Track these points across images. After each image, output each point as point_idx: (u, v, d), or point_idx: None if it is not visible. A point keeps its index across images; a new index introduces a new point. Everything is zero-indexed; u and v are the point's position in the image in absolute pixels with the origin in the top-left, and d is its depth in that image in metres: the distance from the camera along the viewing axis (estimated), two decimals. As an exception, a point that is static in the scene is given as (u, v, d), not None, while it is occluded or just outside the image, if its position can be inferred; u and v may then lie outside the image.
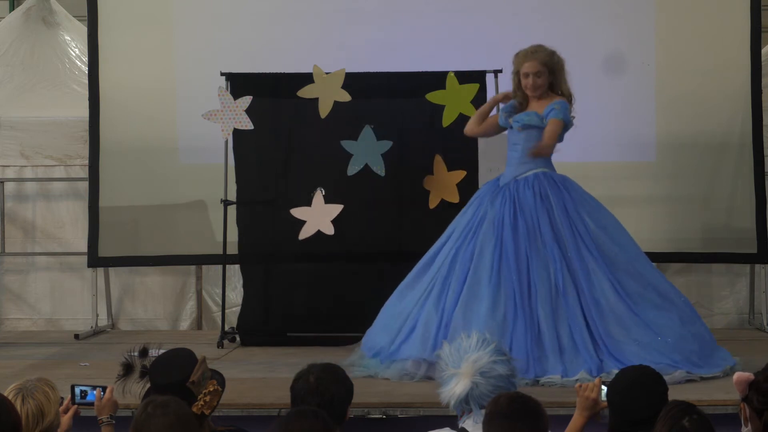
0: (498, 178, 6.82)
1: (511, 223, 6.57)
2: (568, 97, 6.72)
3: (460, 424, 4.02)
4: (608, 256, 6.55)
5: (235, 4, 8.52)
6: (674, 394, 4.15)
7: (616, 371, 4.88)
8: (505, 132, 6.91)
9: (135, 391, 4.23)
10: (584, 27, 8.41)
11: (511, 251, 6.50)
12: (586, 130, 7.77)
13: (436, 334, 6.39)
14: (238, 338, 7.93)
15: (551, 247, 6.51)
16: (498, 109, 6.95)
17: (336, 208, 7.71)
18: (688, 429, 3.45)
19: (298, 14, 8.47)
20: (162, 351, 4.30)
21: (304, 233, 7.72)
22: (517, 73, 6.74)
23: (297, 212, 7.75)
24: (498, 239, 6.54)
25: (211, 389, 4.09)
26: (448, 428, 4.03)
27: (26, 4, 9.81)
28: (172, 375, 4.11)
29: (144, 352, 4.26)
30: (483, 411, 3.94)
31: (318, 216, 7.71)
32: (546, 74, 6.69)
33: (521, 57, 6.73)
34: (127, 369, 4.24)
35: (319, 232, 7.71)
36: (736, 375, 3.76)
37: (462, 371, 4.02)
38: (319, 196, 7.70)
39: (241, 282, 8.09)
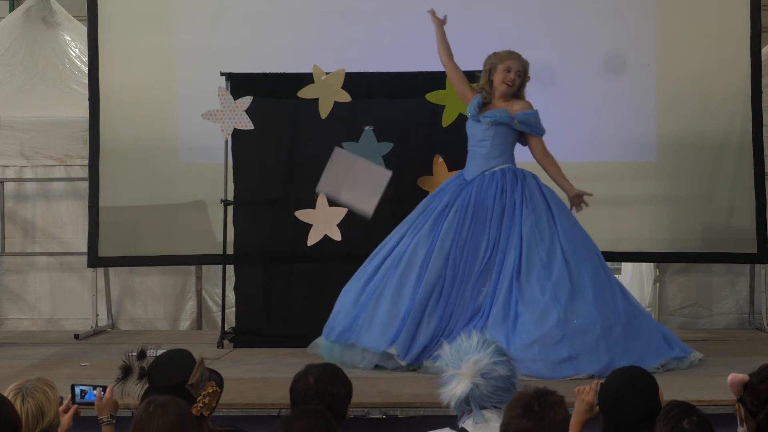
0: (461, 172, 7.01)
1: (472, 215, 6.79)
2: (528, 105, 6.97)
3: (460, 424, 4.02)
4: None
5: (235, 4, 8.52)
6: (673, 393, 4.15)
7: None
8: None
9: (134, 392, 4.23)
10: (584, 27, 8.41)
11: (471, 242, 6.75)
12: (586, 130, 7.79)
13: (399, 327, 6.64)
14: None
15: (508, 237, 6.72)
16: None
17: (340, 212, 7.62)
18: (688, 431, 3.45)
19: (298, 14, 8.47)
20: (160, 351, 4.30)
21: (312, 238, 7.66)
22: (489, 71, 6.95)
23: (301, 215, 7.69)
24: (457, 231, 6.77)
25: (210, 391, 4.09)
26: (448, 428, 4.03)
27: (26, 4, 9.81)
28: (171, 377, 4.11)
29: (142, 354, 4.25)
30: (483, 411, 3.95)
31: (323, 220, 7.64)
32: (522, 77, 6.94)
33: (504, 54, 6.96)
34: (126, 372, 4.24)
35: (326, 236, 7.67)
36: (731, 376, 3.75)
37: (462, 372, 4.01)
38: (323, 198, 7.64)
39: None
